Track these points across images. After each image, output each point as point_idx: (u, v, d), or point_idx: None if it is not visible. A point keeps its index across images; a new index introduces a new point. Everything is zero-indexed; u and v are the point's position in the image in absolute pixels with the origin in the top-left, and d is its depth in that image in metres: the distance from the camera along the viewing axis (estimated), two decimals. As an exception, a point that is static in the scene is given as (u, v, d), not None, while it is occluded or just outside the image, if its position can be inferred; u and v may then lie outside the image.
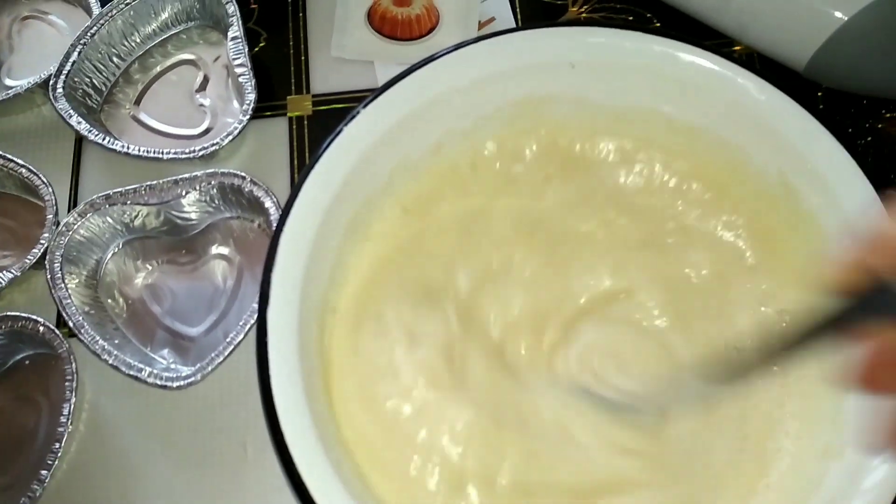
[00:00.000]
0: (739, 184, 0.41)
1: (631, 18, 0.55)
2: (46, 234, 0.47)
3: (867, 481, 0.33)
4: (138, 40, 0.55)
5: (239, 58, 0.51)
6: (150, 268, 0.49)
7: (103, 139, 0.49)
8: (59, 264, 0.46)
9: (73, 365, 0.44)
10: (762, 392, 0.38)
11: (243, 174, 0.47)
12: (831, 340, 0.26)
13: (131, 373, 0.43)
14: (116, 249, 0.49)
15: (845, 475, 0.34)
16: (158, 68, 0.55)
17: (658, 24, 0.54)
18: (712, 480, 0.37)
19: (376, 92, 0.39)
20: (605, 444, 0.37)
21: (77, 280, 0.47)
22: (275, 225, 0.44)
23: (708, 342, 0.39)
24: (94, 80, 0.53)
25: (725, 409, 0.38)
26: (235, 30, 0.51)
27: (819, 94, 0.52)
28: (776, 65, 0.51)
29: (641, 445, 0.37)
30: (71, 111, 0.50)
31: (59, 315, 0.48)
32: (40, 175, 0.48)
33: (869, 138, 0.51)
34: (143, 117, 0.54)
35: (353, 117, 0.39)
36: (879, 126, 0.51)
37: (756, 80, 0.39)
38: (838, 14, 0.46)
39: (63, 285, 0.45)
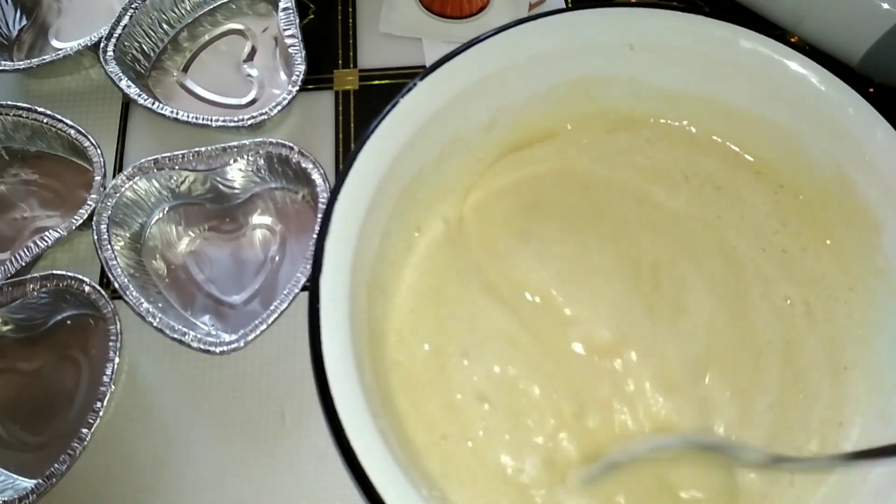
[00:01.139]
0: (793, 172, 0.41)
1: (682, 6, 0.54)
2: (94, 196, 0.47)
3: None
4: (188, 8, 0.55)
5: (289, 28, 0.51)
6: (193, 234, 0.50)
7: (152, 104, 0.49)
8: (105, 225, 0.46)
9: (118, 325, 0.44)
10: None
11: (291, 144, 0.47)
12: None
13: (175, 336, 0.43)
14: (161, 214, 0.50)
15: (891, 469, 0.34)
16: (207, 37, 0.55)
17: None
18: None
19: (434, 65, 0.39)
20: None
21: (122, 243, 0.47)
22: (321, 197, 0.45)
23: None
24: (143, 46, 0.53)
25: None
26: (287, 1, 0.51)
27: (871, 90, 0.51)
28: (829, 59, 0.51)
29: None
30: (121, 74, 0.50)
31: (103, 276, 0.48)
32: (90, 136, 0.49)
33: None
34: (190, 84, 0.54)
35: (410, 89, 0.39)
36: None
37: (817, 69, 0.39)
38: (894, 10, 0.46)
39: (109, 246, 0.46)
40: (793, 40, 0.52)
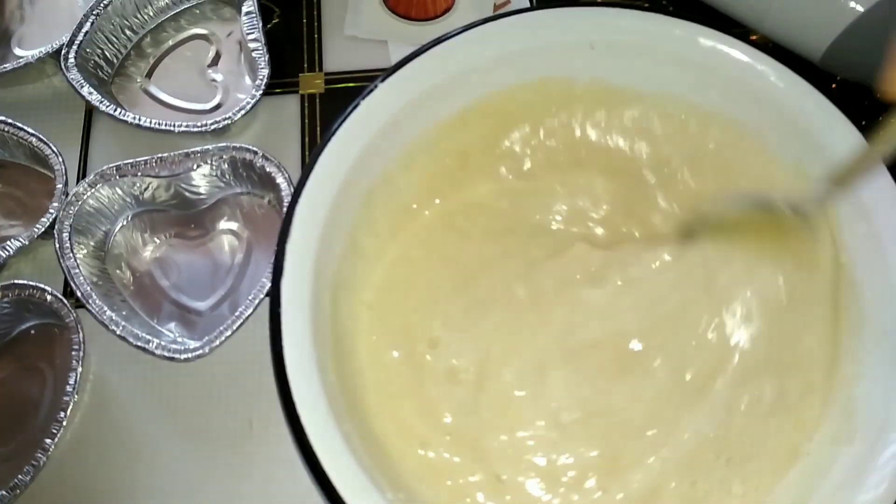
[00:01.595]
0: (755, 169, 0.41)
1: (647, 5, 0.54)
2: (56, 204, 0.47)
3: (877, 469, 0.33)
4: (151, 13, 0.54)
5: (253, 32, 0.50)
6: (158, 241, 0.49)
7: (114, 110, 0.49)
8: (67, 234, 0.45)
9: (81, 334, 0.44)
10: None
11: (255, 149, 0.47)
12: None
13: (139, 344, 0.43)
14: (125, 221, 0.49)
15: (856, 461, 0.34)
16: (171, 42, 0.55)
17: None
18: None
19: (395, 66, 0.39)
20: None
21: (85, 251, 0.47)
22: (286, 201, 0.44)
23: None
24: (105, 52, 0.53)
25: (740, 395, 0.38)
26: (250, 4, 0.51)
27: (833, 85, 0.52)
28: (791, 55, 0.51)
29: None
30: (82, 81, 0.50)
31: (66, 285, 0.47)
32: (51, 144, 0.48)
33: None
34: (154, 91, 0.53)
35: (371, 91, 0.39)
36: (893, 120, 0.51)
37: (777, 67, 0.39)
38: (855, 5, 0.46)
39: (72, 255, 0.45)
40: (754, 38, 0.53)
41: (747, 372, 0.38)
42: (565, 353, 0.39)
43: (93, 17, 0.51)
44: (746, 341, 0.38)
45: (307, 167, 0.37)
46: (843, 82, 0.51)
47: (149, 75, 0.54)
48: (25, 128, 0.49)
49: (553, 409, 0.38)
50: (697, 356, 0.38)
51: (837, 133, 0.38)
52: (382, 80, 0.39)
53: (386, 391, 0.39)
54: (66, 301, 0.44)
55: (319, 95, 0.53)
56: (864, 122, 0.50)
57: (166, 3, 0.54)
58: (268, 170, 0.46)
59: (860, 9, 0.46)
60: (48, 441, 0.42)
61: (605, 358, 0.39)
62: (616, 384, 0.38)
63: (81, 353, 0.43)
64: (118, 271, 0.48)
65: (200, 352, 0.43)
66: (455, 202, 0.43)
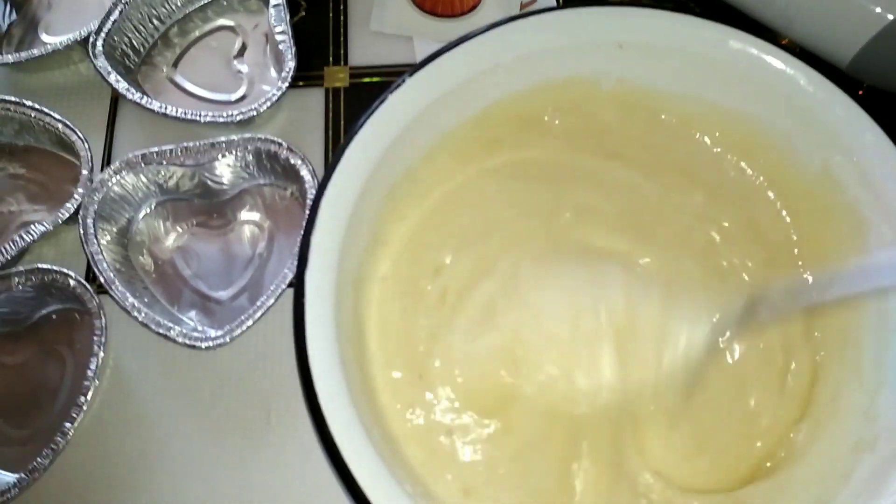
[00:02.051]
0: (781, 172, 0.41)
1: (671, 6, 0.54)
2: (81, 190, 0.47)
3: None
4: (179, 4, 0.55)
5: (280, 25, 0.51)
6: (180, 230, 0.49)
7: (141, 98, 0.49)
8: (92, 220, 0.46)
9: (103, 320, 0.44)
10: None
11: (280, 141, 0.47)
12: None
13: (160, 331, 0.43)
14: (149, 209, 0.49)
15: (877, 468, 0.34)
16: (197, 33, 0.55)
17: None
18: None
19: (422, 62, 0.39)
20: None
21: (108, 237, 0.47)
22: (310, 193, 0.45)
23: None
24: (133, 41, 0.53)
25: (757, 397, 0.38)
26: (278, -3, 0.51)
27: (860, 92, 0.51)
28: (819, 61, 0.51)
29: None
30: (109, 69, 0.50)
31: (89, 271, 0.48)
32: (77, 130, 0.48)
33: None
34: (180, 80, 0.54)
35: (399, 86, 0.38)
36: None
37: (805, 70, 0.39)
38: (885, 13, 0.46)
39: (95, 241, 0.45)
40: (783, 43, 0.52)
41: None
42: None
43: (121, 6, 0.52)
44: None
45: (334, 160, 0.37)
46: (870, 89, 0.51)
47: (175, 65, 0.54)
48: (52, 113, 0.49)
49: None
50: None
51: (866, 137, 0.38)
52: (410, 76, 0.39)
53: (394, 390, 0.39)
54: (89, 286, 0.45)
55: (344, 89, 0.53)
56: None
57: (194, -6, 0.55)
58: (292, 161, 0.47)
59: (890, 17, 0.46)
60: (67, 425, 0.42)
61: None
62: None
63: (104, 339, 0.44)
64: (140, 258, 0.48)
65: (221, 340, 0.43)
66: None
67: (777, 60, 0.39)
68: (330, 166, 0.37)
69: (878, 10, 0.46)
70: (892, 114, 0.51)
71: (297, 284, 0.35)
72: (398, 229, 0.41)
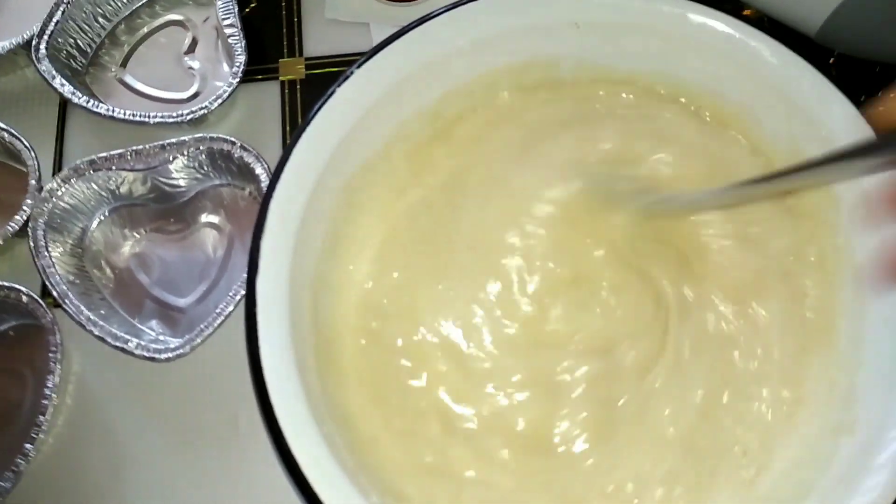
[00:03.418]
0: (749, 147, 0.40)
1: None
2: (29, 201, 0.45)
3: (879, 457, 0.32)
4: (125, 0, 0.52)
5: (228, 18, 0.49)
6: (137, 236, 0.48)
7: (88, 102, 0.47)
8: (42, 232, 0.44)
9: (58, 336, 0.42)
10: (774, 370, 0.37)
11: (233, 139, 0.45)
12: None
13: (118, 344, 0.42)
14: (102, 217, 0.48)
15: (857, 452, 0.33)
16: (145, 29, 0.53)
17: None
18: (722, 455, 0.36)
19: (371, 51, 0.38)
20: None
21: (61, 249, 0.45)
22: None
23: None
24: (78, 41, 0.51)
25: (736, 387, 0.37)
26: (226, -11, 0.49)
27: (831, 60, 0.50)
28: (787, 30, 0.49)
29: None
30: (54, 73, 0.48)
31: (43, 285, 0.46)
32: (22, 139, 0.47)
33: (881, 107, 0.49)
34: (130, 80, 0.52)
35: (347, 78, 0.37)
36: (893, 94, 0.49)
37: (770, 42, 0.37)
38: (852, -23, 0.45)
39: (46, 254, 0.44)
40: (748, 13, 0.51)
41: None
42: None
43: (64, 6, 0.50)
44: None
45: (281, 160, 0.35)
46: (841, 57, 0.50)
47: (123, 64, 0.52)
48: (-3, 122, 0.47)
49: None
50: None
51: (834, 110, 0.36)
52: (358, 66, 0.37)
53: (370, 389, 0.38)
54: (42, 301, 0.43)
55: (300, 81, 0.52)
56: (862, 98, 0.49)
57: (140, -11, 0.53)
58: (246, 160, 0.45)
59: (858, -20, 0.44)
60: (28, 446, 0.41)
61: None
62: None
63: (59, 355, 0.42)
64: (96, 269, 0.47)
65: (181, 351, 0.42)
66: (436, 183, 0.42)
67: (739, 33, 0.38)
68: (278, 166, 0.36)
69: (846, -26, 0.45)
70: (862, 81, 0.50)
71: (248, 292, 0.34)
72: (357, 228, 0.39)
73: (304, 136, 0.36)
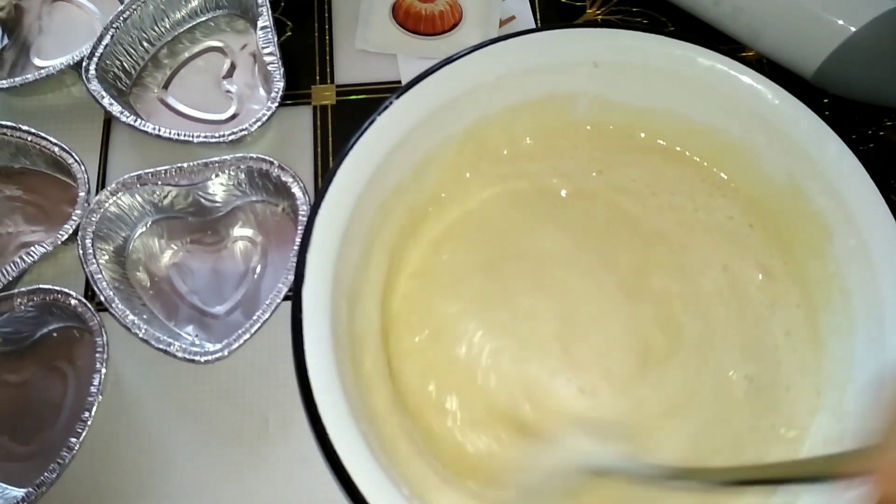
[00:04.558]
0: (750, 183, 0.43)
1: (646, 22, 0.57)
2: (79, 211, 0.48)
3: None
4: (168, 26, 0.56)
5: (268, 46, 0.52)
6: (175, 247, 0.51)
7: (134, 121, 0.51)
8: (90, 240, 0.47)
9: (105, 337, 0.45)
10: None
11: (271, 159, 0.49)
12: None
13: (161, 346, 0.45)
14: (144, 228, 0.51)
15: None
16: (186, 54, 0.57)
17: (672, 29, 0.56)
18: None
19: (409, 83, 0.41)
20: None
21: (106, 256, 0.48)
22: (301, 209, 0.46)
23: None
24: (124, 64, 0.54)
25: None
26: (265, 19, 0.53)
27: (825, 100, 0.54)
28: (785, 71, 0.53)
29: None
30: (103, 92, 0.51)
31: (88, 289, 0.49)
32: (73, 153, 0.50)
33: (871, 145, 0.53)
34: (171, 101, 0.55)
35: (387, 107, 0.40)
36: (881, 133, 0.53)
37: (771, 86, 0.41)
38: (847, 25, 0.48)
39: (94, 260, 0.47)
40: (750, 55, 0.55)
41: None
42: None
43: (112, 30, 0.53)
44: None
45: (327, 179, 0.38)
46: (834, 98, 0.53)
47: (165, 86, 0.56)
48: (48, 137, 0.50)
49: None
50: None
51: (829, 149, 0.40)
52: (397, 97, 0.40)
53: (391, 394, 0.41)
54: (90, 305, 0.46)
55: (331, 107, 0.55)
56: (853, 136, 0.53)
57: (182, 16, 0.56)
58: (283, 179, 0.48)
59: (852, 28, 0.48)
60: (73, 440, 0.44)
61: None
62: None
63: (105, 355, 0.45)
64: (137, 275, 0.50)
65: (220, 354, 0.45)
66: (464, 209, 0.45)
67: (744, 76, 0.41)
68: (323, 185, 0.39)
69: (841, 22, 0.49)
70: (854, 121, 0.54)
71: (295, 299, 0.36)
72: (389, 246, 0.43)
73: (347, 158, 0.39)
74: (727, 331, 0.42)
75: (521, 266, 0.43)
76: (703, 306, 0.42)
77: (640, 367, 0.41)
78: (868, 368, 0.37)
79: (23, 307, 0.46)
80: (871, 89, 0.52)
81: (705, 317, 0.42)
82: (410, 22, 0.56)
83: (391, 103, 0.40)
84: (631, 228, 0.44)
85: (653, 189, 0.45)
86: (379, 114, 0.40)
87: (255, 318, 0.45)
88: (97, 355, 0.45)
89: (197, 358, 0.45)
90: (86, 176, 0.49)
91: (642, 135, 0.45)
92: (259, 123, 0.50)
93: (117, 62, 0.54)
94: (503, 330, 0.41)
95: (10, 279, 0.47)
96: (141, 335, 0.45)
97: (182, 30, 0.57)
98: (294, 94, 0.55)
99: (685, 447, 0.39)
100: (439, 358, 0.41)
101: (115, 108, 0.51)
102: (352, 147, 0.39)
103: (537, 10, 0.57)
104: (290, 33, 0.58)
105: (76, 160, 0.50)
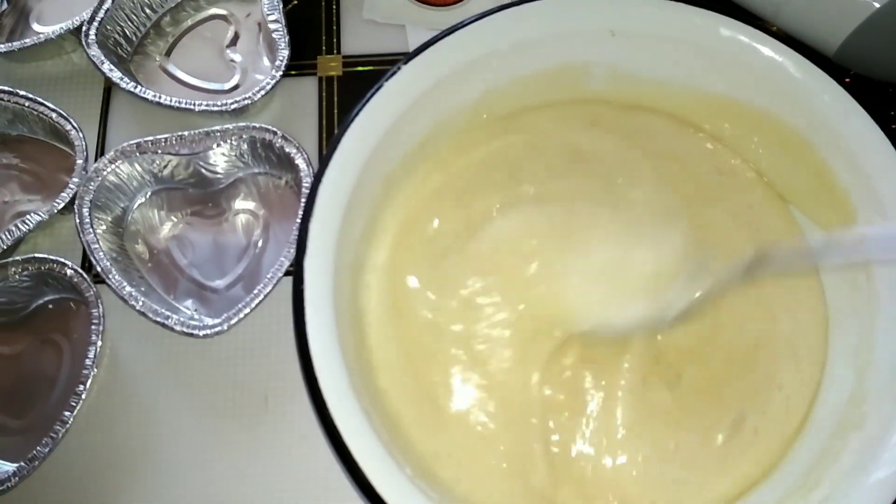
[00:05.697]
0: (772, 160, 0.42)
1: (662, -4, 0.55)
2: (76, 180, 0.47)
3: (888, 449, 0.33)
4: (170, -8, 0.55)
5: (273, 14, 0.51)
6: (175, 219, 0.50)
7: (135, 88, 0.49)
8: (87, 209, 0.46)
9: (101, 309, 0.44)
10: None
11: (274, 129, 0.47)
12: None
13: (158, 319, 0.43)
14: (144, 198, 0.49)
15: (864, 445, 0.34)
16: (189, 22, 0.55)
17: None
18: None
19: (417, 49, 0.39)
20: None
21: (104, 226, 0.47)
22: (304, 182, 0.45)
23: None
24: (125, 30, 0.53)
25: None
26: (270, -14, 0.51)
27: (847, 80, 0.52)
28: (807, 49, 0.51)
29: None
30: (103, 58, 0.50)
31: (85, 260, 0.48)
32: (71, 120, 0.48)
33: (893, 126, 0.51)
34: (173, 69, 0.54)
35: (395, 73, 0.39)
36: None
37: (795, 57, 0.40)
38: (871, 1, 0.47)
39: (91, 230, 0.45)
40: (771, 30, 0.53)
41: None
42: None
43: (113, -5, 0.52)
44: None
45: (331, 147, 0.37)
46: (857, 77, 0.52)
47: (168, 54, 0.54)
48: (46, 103, 0.49)
49: None
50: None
51: (854, 123, 0.38)
52: (406, 63, 0.39)
53: (395, 368, 0.39)
54: (86, 276, 0.45)
55: (337, 78, 0.54)
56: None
57: (186, -17, 0.55)
58: (287, 150, 0.47)
59: (876, 4, 0.46)
60: (67, 414, 0.43)
61: None
62: None
63: (101, 328, 0.44)
64: (136, 247, 0.49)
65: (219, 328, 0.43)
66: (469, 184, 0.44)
67: (766, 48, 0.40)
68: (327, 153, 0.37)
69: (865, -2, 0.47)
70: (876, 101, 0.52)
71: (297, 270, 0.35)
72: (395, 216, 0.41)
73: (353, 126, 0.38)
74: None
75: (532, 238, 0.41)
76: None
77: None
78: (891, 351, 0.36)
79: (17, 277, 0.45)
80: (894, 68, 0.50)
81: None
82: (420, -9, 0.55)
83: (399, 69, 0.39)
84: (645, 202, 0.42)
85: (667, 163, 0.43)
86: (387, 79, 0.39)
87: (255, 292, 0.44)
88: (93, 328, 0.44)
89: (195, 332, 0.43)
90: (84, 143, 0.48)
91: (658, 106, 0.43)
92: (263, 92, 0.49)
93: (118, 28, 0.53)
94: (518, 296, 0.40)
95: (5, 248, 0.46)
96: (138, 307, 0.44)
97: (186, -4, 0.55)
98: (299, 65, 0.54)
99: None
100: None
101: (116, 75, 0.50)
102: (358, 113, 0.38)
103: (551, -18, 0.56)
104: (296, 2, 0.56)
105: (74, 127, 0.48)
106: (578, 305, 0.39)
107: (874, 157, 0.38)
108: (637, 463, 0.37)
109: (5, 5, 0.56)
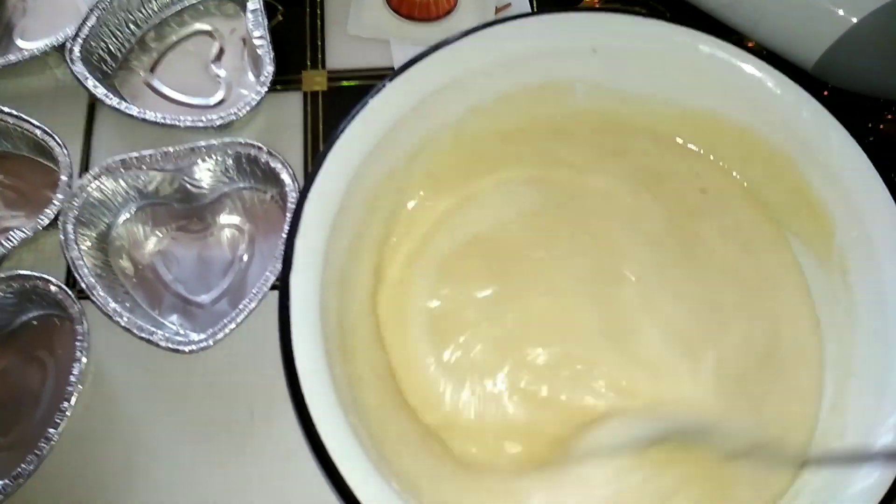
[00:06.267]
0: (751, 174, 0.42)
1: (644, 11, 0.56)
2: (60, 196, 0.47)
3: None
4: (155, 8, 0.55)
5: (258, 30, 0.51)
6: (160, 234, 0.50)
7: (119, 104, 0.49)
8: (72, 225, 0.46)
9: (85, 325, 0.44)
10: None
11: (259, 145, 0.47)
12: None
13: (143, 335, 0.43)
14: (128, 214, 0.49)
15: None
16: (174, 37, 0.55)
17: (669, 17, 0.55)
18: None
19: (403, 66, 0.40)
20: None
21: (88, 243, 0.47)
22: (290, 196, 0.45)
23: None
24: (109, 46, 0.53)
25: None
26: (255, 2, 0.52)
27: (825, 93, 0.53)
28: (785, 63, 0.52)
29: None
30: (87, 74, 0.50)
31: (69, 276, 0.48)
32: (56, 136, 0.48)
33: (871, 138, 0.52)
34: (158, 85, 0.54)
35: (380, 90, 0.39)
36: (881, 127, 0.52)
37: (773, 73, 0.40)
38: (848, 16, 0.48)
39: (76, 246, 0.45)
40: (750, 45, 0.54)
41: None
42: None
43: (98, 11, 0.52)
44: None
45: (316, 163, 0.37)
46: (835, 90, 0.52)
47: (152, 70, 0.54)
48: (30, 119, 0.49)
49: None
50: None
51: (832, 137, 0.39)
52: (391, 80, 0.39)
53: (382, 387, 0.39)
54: (70, 292, 0.45)
55: (322, 93, 0.54)
56: (853, 129, 0.52)
57: (170, -1, 0.55)
58: (272, 165, 0.47)
59: (853, 19, 0.47)
60: (52, 431, 0.42)
61: None
62: None
63: (86, 344, 0.44)
64: (121, 263, 0.49)
65: (204, 344, 0.43)
66: (455, 200, 0.44)
67: (746, 64, 0.40)
68: (313, 169, 0.37)
69: (842, 13, 0.48)
70: (854, 114, 0.53)
71: (283, 286, 0.35)
72: (382, 231, 0.42)
73: (338, 142, 0.38)
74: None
75: (517, 253, 0.42)
76: (710, 290, 0.41)
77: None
78: (871, 362, 0.36)
79: (1, 293, 0.45)
80: (872, 81, 0.51)
81: (712, 302, 0.41)
82: (404, 7, 0.55)
83: (384, 86, 0.39)
84: (631, 221, 0.43)
85: (651, 181, 0.44)
86: (372, 97, 0.39)
87: (241, 307, 0.44)
88: (77, 344, 0.44)
89: (181, 348, 0.43)
90: (68, 160, 0.48)
91: (640, 123, 0.44)
92: (248, 108, 0.49)
93: (102, 44, 0.53)
94: (504, 319, 0.40)
95: (-11, 264, 0.46)
96: (123, 324, 0.44)
97: (170, 13, 0.55)
98: (284, 80, 0.54)
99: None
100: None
101: (100, 91, 0.50)
102: (343, 130, 0.38)
103: (534, -2, 0.56)
104: (280, 18, 0.56)
105: (59, 143, 0.48)
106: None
107: (852, 171, 0.38)
108: None
109: (-11, 21, 0.56)
